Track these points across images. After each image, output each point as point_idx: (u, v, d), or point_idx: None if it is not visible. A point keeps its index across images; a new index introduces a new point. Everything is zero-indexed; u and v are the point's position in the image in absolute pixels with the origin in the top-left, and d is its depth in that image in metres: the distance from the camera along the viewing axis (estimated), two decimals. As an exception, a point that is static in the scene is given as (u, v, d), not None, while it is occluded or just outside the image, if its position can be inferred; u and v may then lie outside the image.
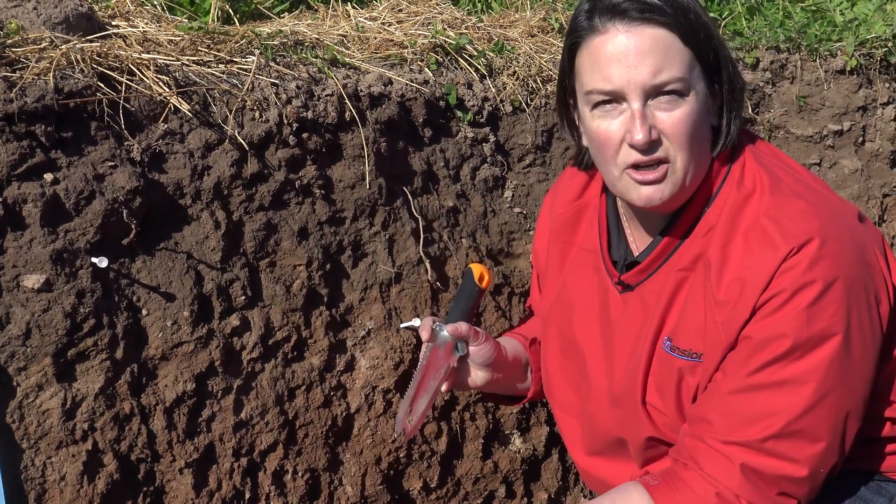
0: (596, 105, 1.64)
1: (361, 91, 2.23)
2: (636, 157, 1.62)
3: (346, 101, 2.18)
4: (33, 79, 1.80)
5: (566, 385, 1.96)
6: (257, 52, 2.15)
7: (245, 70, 2.10)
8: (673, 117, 1.60)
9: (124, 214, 1.86)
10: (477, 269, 2.12)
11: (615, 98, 1.62)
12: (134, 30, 2.13)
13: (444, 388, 1.99)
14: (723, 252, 1.64)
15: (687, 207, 1.70)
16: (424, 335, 1.98)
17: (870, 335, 1.62)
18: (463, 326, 1.96)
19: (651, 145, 1.61)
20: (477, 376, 2.02)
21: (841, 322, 1.57)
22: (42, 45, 1.89)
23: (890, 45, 3.15)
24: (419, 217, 2.29)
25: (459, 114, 2.42)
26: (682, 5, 1.60)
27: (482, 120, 2.46)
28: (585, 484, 2.08)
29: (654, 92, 1.59)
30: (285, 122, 2.08)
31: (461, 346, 1.97)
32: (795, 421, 1.58)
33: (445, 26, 2.56)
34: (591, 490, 2.03)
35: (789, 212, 1.61)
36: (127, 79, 1.93)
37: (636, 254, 1.81)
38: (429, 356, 1.97)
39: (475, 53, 2.51)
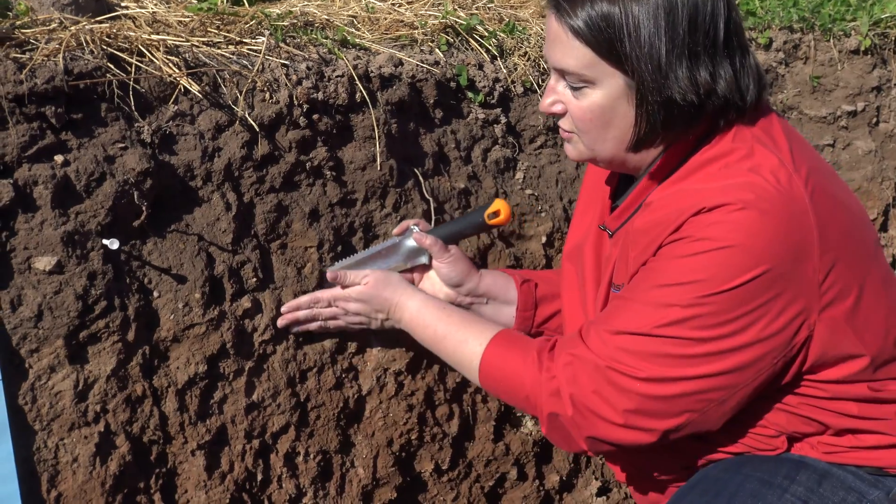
0: None
1: (372, 72, 2.22)
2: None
3: (357, 83, 2.16)
4: (43, 60, 1.79)
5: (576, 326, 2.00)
6: (267, 32, 2.14)
7: (255, 51, 2.09)
8: (575, 104, 1.71)
9: (135, 196, 1.85)
10: (497, 204, 2.10)
11: None
12: (143, 11, 2.12)
13: None
14: (660, 194, 1.70)
15: (658, 163, 1.74)
16: (396, 230, 2.13)
17: (762, 324, 1.60)
18: (428, 239, 2.08)
19: (552, 115, 1.77)
20: (440, 292, 2.12)
21: (719, 282, 1.58)
22: (51, 27, 1.88)
23: (905, 24, 3.12)
24: (430, 199, 2.28)
25: (470, 95, 2.40)
26: (605, 23, 1.61)
27: (493, 101, 2.44)
28: None
29: (563, 74, 1.71)
30: (296, 103, 2.07)
31: (425, 256, 2.10)
32: (640, 335, 1.62)
33: (456, 7, 2.55)
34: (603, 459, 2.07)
35: (733, 178, 1.62)
36: (137, 60, 1.92)
37: None
38: (387, 247, 2.10)
39: (486, 34, 2.49)
